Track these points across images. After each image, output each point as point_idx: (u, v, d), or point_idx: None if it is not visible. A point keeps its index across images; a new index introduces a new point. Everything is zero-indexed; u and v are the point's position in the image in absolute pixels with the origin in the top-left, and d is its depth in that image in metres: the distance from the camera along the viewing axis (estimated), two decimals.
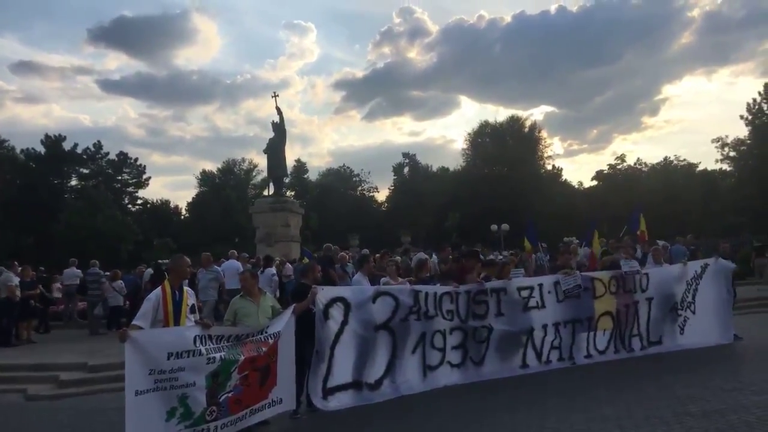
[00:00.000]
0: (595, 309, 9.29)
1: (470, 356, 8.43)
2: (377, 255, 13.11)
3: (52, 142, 56.92)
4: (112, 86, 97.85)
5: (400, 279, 8.82)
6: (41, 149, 56.58)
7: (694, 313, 9.97)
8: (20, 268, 14.08)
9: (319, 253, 16.32)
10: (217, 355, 5.60)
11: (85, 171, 59.92)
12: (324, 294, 7.36)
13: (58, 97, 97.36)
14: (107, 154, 60.93)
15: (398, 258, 12.74)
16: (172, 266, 6.30)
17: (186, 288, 6.07)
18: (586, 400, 6.99)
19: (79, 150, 58.60)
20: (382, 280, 8.79)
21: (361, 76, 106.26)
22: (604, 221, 23.99)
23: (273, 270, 13.92)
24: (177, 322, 5.69)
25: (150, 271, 16.15)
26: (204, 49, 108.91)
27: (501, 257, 14.85)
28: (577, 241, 18.33)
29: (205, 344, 5.55)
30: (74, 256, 19.22)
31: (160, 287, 5.87)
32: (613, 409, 6.52)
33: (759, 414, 5.95)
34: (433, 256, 15.71)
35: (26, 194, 50.22)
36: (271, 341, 6.26)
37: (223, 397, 5.64)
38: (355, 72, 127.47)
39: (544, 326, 8.93)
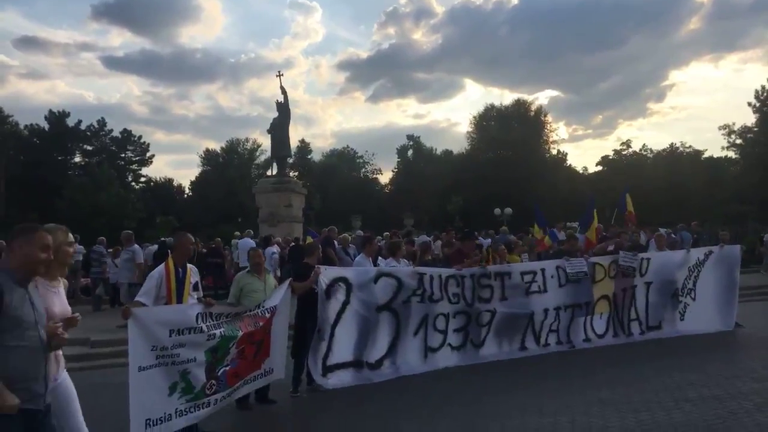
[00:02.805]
0: (594, 294, 9.34)
1: (471, 338, 8.48)
2: (379, 237, 13.10)
3: (56, 118, 56.85)
4: (115, 63, 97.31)
5: (402, 260, 8.82)
6: (45, 125, 56.57)
7: (694, 299, 9.99)
8: None
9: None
10: (217, 332, 5.67)
11: (89, 148, 59.91)
12: (326, 274, 7.39)
13: (62, 74, 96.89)
14: (111, 131, 60.89)
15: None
16: (175, 244, 6.30)
17: (189, 266, 6.08)
18: (584, 384, 7.02)
19: (82, 127, 58.60)
20: (386, 261, 8.80)
21: (366, 57, 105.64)
22: (606, 207, 23.87)
23: (273, 249, 14.06)
24: (180, 300, 5.71)
25: (153, 248, 16.22)
26: (208, 27, 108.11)
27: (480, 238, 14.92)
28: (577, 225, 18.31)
29: (206, 321, 5.61)
30: (78, 233, 19.19)
31: (163, 264, 5.88)
32: (611, 393, 6.55)
33: (757, 401, 5.97)
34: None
35: (30, 170, 50.29)
36: (267, 315, 6.36)
37: (221, 371, 5.75)
38: (360, 53, 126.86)
39: (545, 310, 8.98)
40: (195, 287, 5.97)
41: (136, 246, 12.81)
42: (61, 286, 3.90)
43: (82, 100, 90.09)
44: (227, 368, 5.81)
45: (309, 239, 16.01)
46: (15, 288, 2.99)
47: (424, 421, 5.85)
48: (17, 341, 2.92)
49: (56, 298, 3.76)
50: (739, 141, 50.31)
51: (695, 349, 8.90)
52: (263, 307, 6.35)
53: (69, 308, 3.86)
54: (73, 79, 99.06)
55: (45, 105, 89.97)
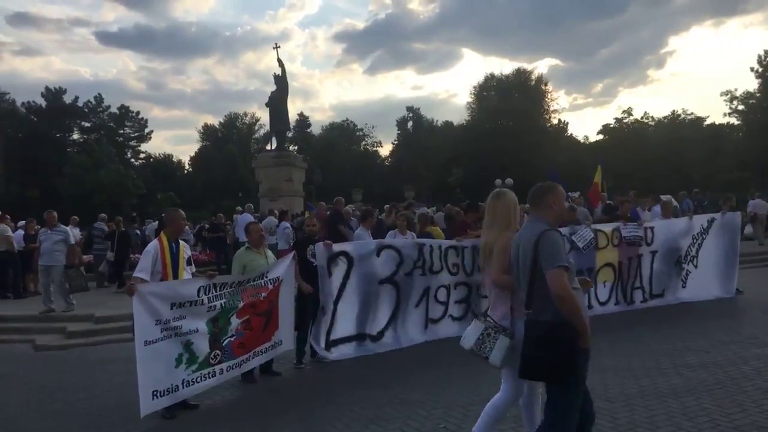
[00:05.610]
0: (597, 261, 9.32)
1: (472, 309, 8.49)
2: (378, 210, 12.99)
3: (53, 95, 56.49)
4: (110, 38, 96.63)
5: (408, 232, 8.77)
6: (42, 102, 56.18)
7: (696, 267, 9.98)
8: (25, 222, 14.21)
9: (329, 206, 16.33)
10: (218, 303, 5.78)
11: (87, 125, 59.65)
12: (326, 249, 7.32)
13: (57, 50, 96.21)
14: (108, 107, 60.56)
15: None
16: (167, 220, 6.31)
17: (181, 241, 6.14)
18: None
19: (80, 103, 58.18)
20: (389, 233, 8.78)
21: (362, 28, 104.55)
22: (608, 176, 23.83)
23: (287, 223, 14.33)
24: (175, 275, 5.77)
25: (154, 225, 16.32)
26: (202, 0, 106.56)
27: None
28: (577, 194, 18.25)
29: (208, 293, 5.72)
30: (79, 209, 19.29)
31: (157, 240, 5.93)
32: (612, 360, 6.59)
33: (757, 365, 6.01)
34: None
35: (29, 148, 50.08)
36: (271, 286, 6.41)
37: (225, 341, 5.87)
38: (356, 23, 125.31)
39: None
40: (188, 262, 6.06)
41: (63, 226, 11.43)
42: None
43: (78, 77, 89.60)
44: (232, 339, 5.92)
45: (308, 213, 16.06)
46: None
47: (428, 390, 5.91)
48: (575, 285, 3.42)
49: None
50: (741, 107, 49.89)
51: (696, 315, 8.93)
52: (266, 277, 6.39)
53: None
54: (68, 55, 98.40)
55: (41, 82, 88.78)
